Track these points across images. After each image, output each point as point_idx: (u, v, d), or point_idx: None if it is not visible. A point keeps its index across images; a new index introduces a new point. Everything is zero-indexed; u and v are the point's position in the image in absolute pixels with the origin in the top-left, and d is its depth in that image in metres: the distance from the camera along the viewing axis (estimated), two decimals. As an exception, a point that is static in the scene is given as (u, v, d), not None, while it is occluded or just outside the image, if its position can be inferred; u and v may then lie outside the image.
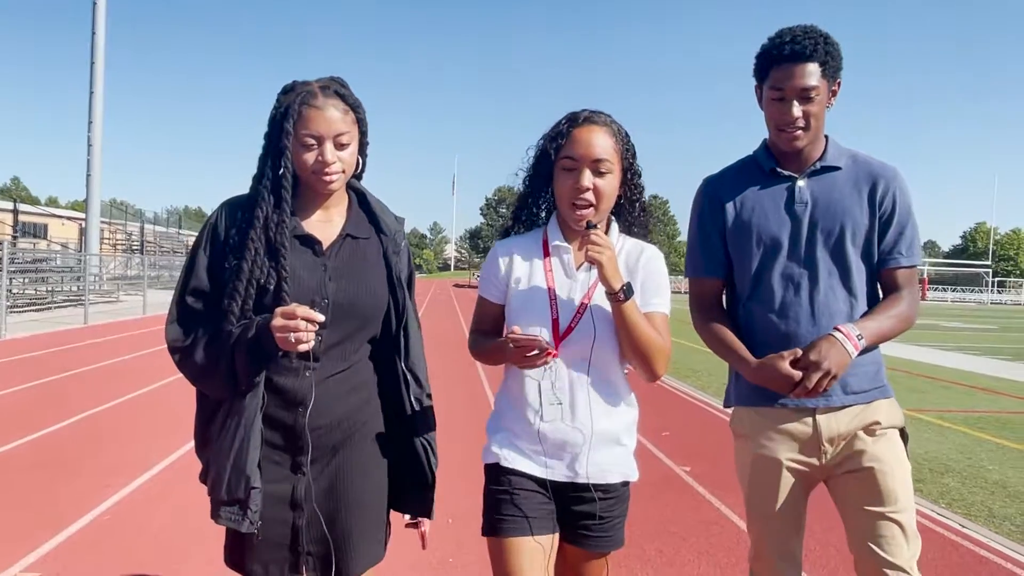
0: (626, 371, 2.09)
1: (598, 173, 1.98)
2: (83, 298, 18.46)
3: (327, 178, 1.88)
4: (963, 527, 4.60)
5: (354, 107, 1.94)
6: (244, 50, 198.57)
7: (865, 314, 2.14)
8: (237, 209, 1.92)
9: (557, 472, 1.99)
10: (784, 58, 2.08)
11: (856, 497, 2.12)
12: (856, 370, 2.09)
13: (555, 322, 1.98)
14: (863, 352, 2.07)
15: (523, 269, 2.06)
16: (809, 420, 2.13)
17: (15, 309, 18.17)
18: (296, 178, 1.92)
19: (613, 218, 2.11)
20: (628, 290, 1.90)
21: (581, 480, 1.99)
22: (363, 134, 1.98)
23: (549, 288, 2.01)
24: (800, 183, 2.17)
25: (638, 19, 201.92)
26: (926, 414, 8.26)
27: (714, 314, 2.27)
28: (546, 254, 2.07)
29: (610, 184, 2.00)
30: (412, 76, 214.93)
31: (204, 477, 1.93)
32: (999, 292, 67.28)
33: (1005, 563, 4.04)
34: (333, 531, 1.90)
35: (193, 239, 2.23)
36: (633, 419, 2.09)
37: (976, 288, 66.08)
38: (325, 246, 1.93)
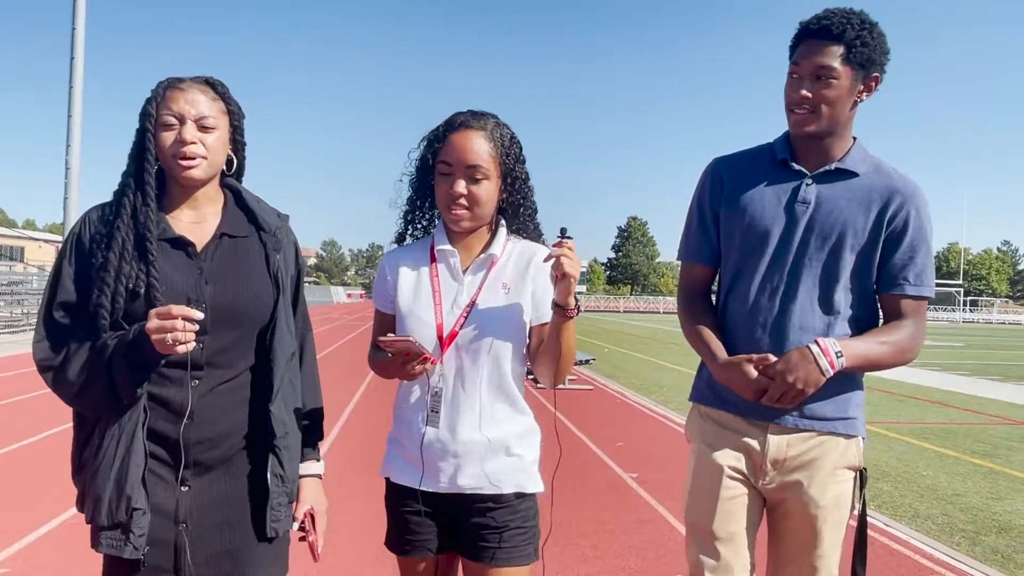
0: (527, 378, 2.05)
1: (472, 179, 1.93)
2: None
3: (185, 162, 1.76)
4: (887, 526, 4.91)
5: (224, 98, 1.85)
6: (219, 76, 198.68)
7: (856, 335, 1.98)
8: (102, 212, 1.81)
9: (441, 484, 1.93)
10: (810, 33, 1.95)
11: (784, 531, 2.03)
12: (822, 393, 1.91)
13: (439, 327, 1.94)
14: (838, 377, 1.90)
15: (409, 277, 2.02)
16: (759, 435, 2.00)
17: (-10, 331, 18.21)
18: (164, 177, 1.83)
19: (502, 220, 2.05)
20: (577, 304, 1.88)
21: (467, 491, 1.92)
22: (235, 129, 1.89)
23: (434, 292, 1.97)
24: (808, 181, 2.01)
25: (623, 43, 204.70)
26: (875, 426, 8.60)
27: (698, 305, 2.14)
28: (432, 260, 2.02)
29: (486, 190, 1.95)
30: (399, 102, 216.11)
31: (81, 504, 1.78)
32: (971, 311, 68.38)
33: (914, 555, 4.37)
34: (222, 550, 1.79)
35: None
36: (526, 428, 1.99)
37: (949, 307, 67.19)
38: (199, 247, 1.81)
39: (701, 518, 2.04)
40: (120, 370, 1.67)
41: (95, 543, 1.72)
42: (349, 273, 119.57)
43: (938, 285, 77.60)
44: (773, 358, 1.90)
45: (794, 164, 2.04)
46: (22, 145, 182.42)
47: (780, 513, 2.04)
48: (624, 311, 64.37)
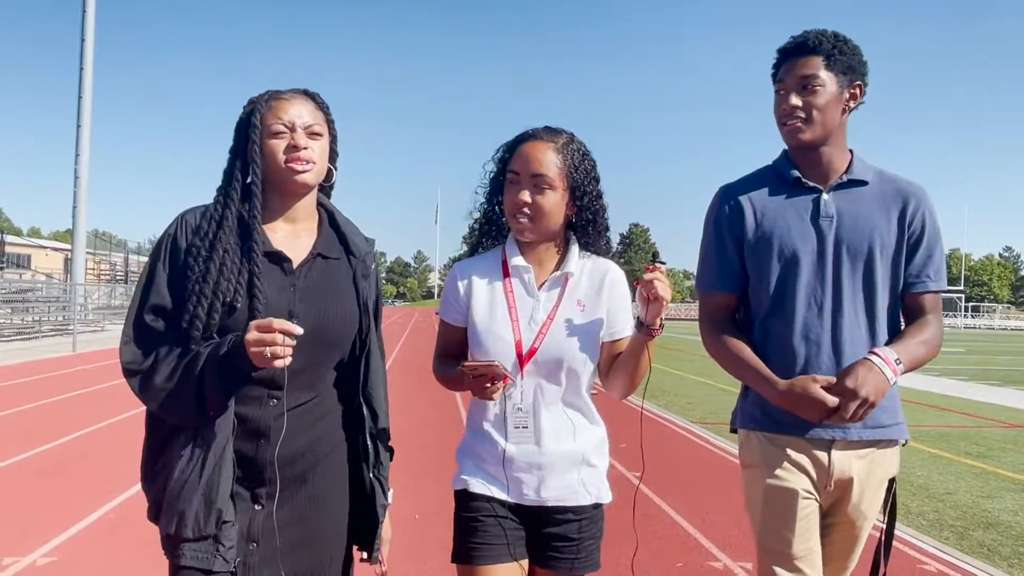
0: (594, 392, 2.05)
1: (538, 189, 1.94)
2: (70, 327, 18.85)
3: (300, 165, 1.77)
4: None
5: (324, 108, 1.87)
6: (226, 79, 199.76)
7: (895, 339, 2.02)
8: (200, 219, 1.77)
9: (526, 496, 1.95)
10: (788, 52, 2.05)
11: (826, 534, 2.07)
12: (883, 401, 1.94)
13: (518, 343, 1.95)
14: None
15: (483, 290, 2.02)
16: (824, 453, 2.02)
17: (1, 338, 18.49)
18: (263, 191, 1.81)
19: (574, 237, 2.06)
20: (662, 324, 1.90)
21: (550, 503, 1.95)
22: (333, 139, 1.90)
23: (510, 308, 1.98)
24: (825, 196, 2.05)
25: (624, 51, 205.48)
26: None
27: (729, 332, 2.13)
28: (506, 274, 2.02)
29: (550, 201, 1.95)
30: (397, 113, 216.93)
31: (155, 515, 1.75)
32: (973, 317, 68.52)
33: (903, 547, 4.61)
34: (292, 569, 1.78)
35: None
36: (601, 438, 2.04)
37: (950, 313, 67.33)
38: (295, 264, 1.80)
39: (779, 542, 2.03)
40: (211, 381, 1.64)
41: (175, 555, 1.68)
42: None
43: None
44: (834, 378, 1.92)
45: (807, 181, 2.07)
46: (26, 153, 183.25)
47: (828, 520, 2.07)
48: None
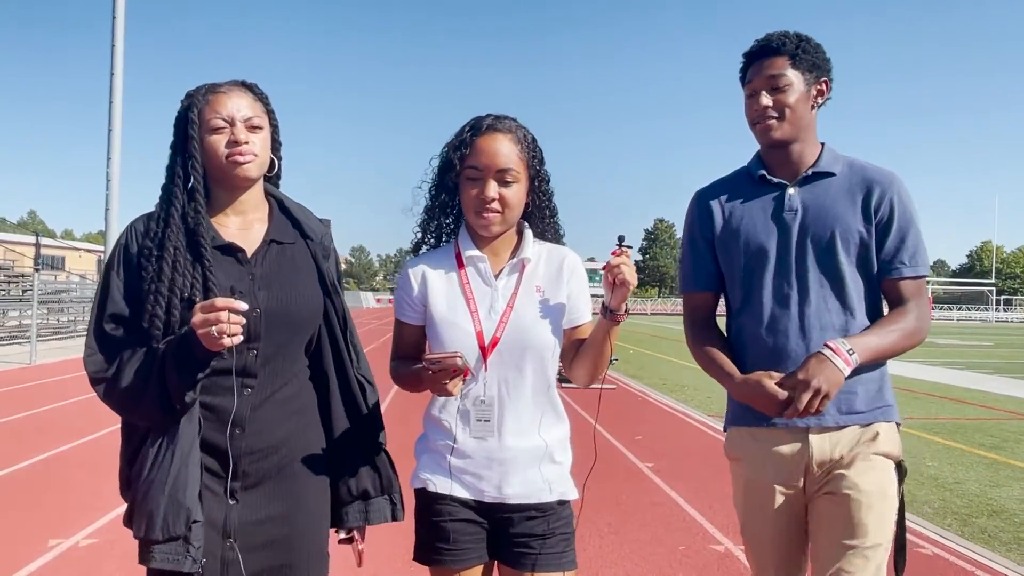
0: (561, 385, 2.05)
1: (503, 183, 1.91)
2: (104, 326, 19.37)
3: (241, 158, 1.76)
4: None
5: (264, 99, 1.86)
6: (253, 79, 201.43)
7: (865, 329, 2.03)
8: (148, 222, 1.78)
9: (487, 493, 1.89)
10: (753, 56, 2.10)
11: (827, 522, 2.03)
12: (855, 387, 1.99)
13: (479, 334, 1.90)
14: (863, 369, 1.97)
15: (439, 284, 1.97)
16: (801, 441, 2.03)
17: (40, 338, 19.08)
18: (206, 186, 1.81)
19: (527, 224, 2.03)
20: (627, 309, 1.89)
21: (511, 501, 1.89)
22: (275, 129, 1.89)
23: (468, 299, 1.93)
24: (791, 191, 2.10)
25: (633, 45, 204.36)
26: (887, 420, 8.90)
27: (705, 331, 2.18)
28: (460, 266, 1.98)
29: (516, 193, 1.93)
30: (401, 109, 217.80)
31: (129, 520, 1.74)
32: (1005, 310, 67.41)
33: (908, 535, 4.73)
34: (269, 561, 1.78)
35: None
36: (565, 434, 1.98)
37: (981, 306, 66.30)
38: (249, 254, 1.81)
39: (756, 535, 2.12)
40: (171, 373, 1.64)
41: (145, 559, 1.67)
42: (377, 279, 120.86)
43: (970, 284, 76.58)
44: (777, 375, 1.93)
45: (772, 177, 2.13)
46: (60, 157, 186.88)
47: (821, 507, 2.05)
48: (651, 313, 64.43)
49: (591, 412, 2.06)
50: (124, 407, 1.72)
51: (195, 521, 1.65)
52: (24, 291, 24.38)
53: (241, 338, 1.61)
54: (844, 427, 2.02)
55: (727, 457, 2.23)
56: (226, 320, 1.57)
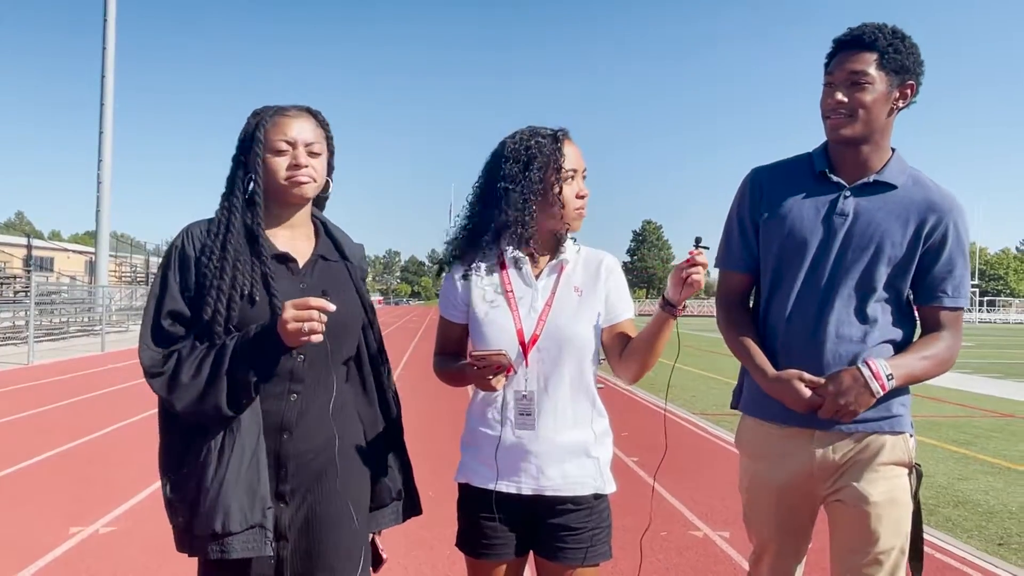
0: (600, 386, 2.08)
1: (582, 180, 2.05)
2: (97, 328, 19.57)
3: (301, 179, 1.86)
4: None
5: (324, 126, 1.95)
6: (240, 88, 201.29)
7: (900, 351, 2.02)
8: (206, 228, 1.87)
9: (525, 486, 1.97)
10: (843, 46, 2.01)
11: (840, 530, 2.06)
12: None
13: (519, 332, 1.98)
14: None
15: (481, 284, 2.05)
16: (805, 443, 2.05)
17: (33, 339, 19.20)
18: (264, 199, 1.90)
19: (566, 232, 2.10)
20: (685, 305, 1.92)
21: (549, 493, 1.96)
22: (331, 154, 1.99)
23: (509, 298, 2.01)
24: (846, 193, 2.03)
25: (632, 49, 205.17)
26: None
27: (737, 314, 2.16)
28: (503, 267, 2.06)
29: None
30: (408, 112, 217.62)
31: (177, 513, 1.80)
32: (989, 311, 68.13)
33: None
34: (316, 562, 1.85)
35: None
36: (604, 429, 2.05)
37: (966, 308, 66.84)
38: (300, 265, 1.92)
39: (760, 524, 2.18)
40: (242, 366, 1.72)
41: (216, 551, 1.72)
42: (367, 280, 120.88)
43: (954, 286, 76.79)
44: (821, 380, 1.95)
45: (832, 176, 2.06)
46: (47, 159, 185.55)
47: (835, 514, 2.07)
48: (640, 314, 64.68)
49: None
50: (185, 401, 1.74)
51: (269, 507, 1.76)
52: (16, 292, 24.49)
53: (322, 337, 1.72)
54: (850, 434, 2.02)
55: (736, 445, 2.27)
56: (317, 319, 1.69)
